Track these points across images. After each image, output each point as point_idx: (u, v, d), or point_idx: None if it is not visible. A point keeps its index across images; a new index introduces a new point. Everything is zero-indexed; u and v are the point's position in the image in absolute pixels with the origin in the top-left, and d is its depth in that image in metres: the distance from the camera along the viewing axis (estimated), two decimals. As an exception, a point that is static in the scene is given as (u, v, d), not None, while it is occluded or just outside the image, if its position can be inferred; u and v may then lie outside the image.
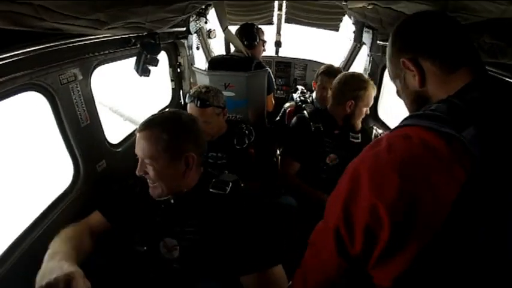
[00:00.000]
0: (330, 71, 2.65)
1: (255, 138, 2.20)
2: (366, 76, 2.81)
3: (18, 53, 1.20)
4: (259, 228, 1.36)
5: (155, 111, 1.43)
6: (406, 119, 0.80)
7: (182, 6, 1.29)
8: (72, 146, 1.81)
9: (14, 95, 1.43)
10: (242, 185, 1.44)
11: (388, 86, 2.80)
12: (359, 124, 2.25)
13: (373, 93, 2.14)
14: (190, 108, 2.00)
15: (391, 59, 0.93)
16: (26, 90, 1.51)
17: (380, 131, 2.66)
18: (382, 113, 2.98)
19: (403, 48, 0.88)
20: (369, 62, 2.94)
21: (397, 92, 0.98)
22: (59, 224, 1.52)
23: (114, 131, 2.27)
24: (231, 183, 1.37)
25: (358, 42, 3.17)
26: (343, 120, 2.21)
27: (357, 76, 2.18)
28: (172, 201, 1.39)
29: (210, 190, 1.35)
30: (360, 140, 2.25)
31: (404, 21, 0.92)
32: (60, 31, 1.17)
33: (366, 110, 2.17)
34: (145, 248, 1.42)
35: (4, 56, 1.14)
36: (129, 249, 1.44)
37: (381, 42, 2.61)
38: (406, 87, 0.91)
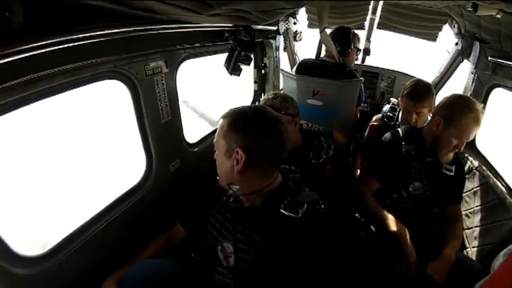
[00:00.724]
0: (415, 94, 2.25)
1: (335, 153, 2.05)
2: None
3: (103, 33, 1.09)
4: (324, 264, 1.26)
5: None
6: None
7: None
8: (148, 141, 1.77)
9: (95, 82, 1.40)
10: (322, 206, 1.32)
11: (493, 111, 2.49)
12: (448, 157, 1.92)
13: (475, 128, 1.79)
14: None
15: None
16: (108, 78, 1.47)
17: (476, 163, 2.36)
18: (481, 143, 2.55)
19: None
20: (473, 81, 2.49)
21: None
22: (125, 217, 1.65)
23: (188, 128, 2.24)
24: (305, 205, 1.23)
25: (465, 56, 2.69)
26: (431, 143, 1.91)
27: (465, 98, 1.87)
28: (236, 204, 1.34)
29: (281, 211, 1.23)
30: (453, 174, 1.96)
31: None
32: (153, 13, 1.00)
33: (456, 143, 1.82)
34: (200, 257, 1.48)
35: (88, 35, 1.04)
36: (185, 257, 1.49)
37: (492, 59, 2.17)
38: None
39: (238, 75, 2.04)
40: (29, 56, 0.91)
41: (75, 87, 1.29)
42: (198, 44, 1.90)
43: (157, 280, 1.34)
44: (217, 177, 1.35)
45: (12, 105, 1.07)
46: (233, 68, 1.99)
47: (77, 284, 1.43)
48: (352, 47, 2.68)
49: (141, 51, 1.53)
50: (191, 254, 1.51)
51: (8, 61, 0.86)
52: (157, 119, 1.77)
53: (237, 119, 1.24)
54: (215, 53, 2.18)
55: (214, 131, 2.46)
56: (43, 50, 0.94)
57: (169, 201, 1.86)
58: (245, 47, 1.93)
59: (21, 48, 0.87)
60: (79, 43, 1.05)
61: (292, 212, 1.21)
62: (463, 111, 1.76)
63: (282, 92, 2.28)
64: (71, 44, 1.03)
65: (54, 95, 1.20)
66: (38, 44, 0.91)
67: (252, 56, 2.05)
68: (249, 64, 2.05)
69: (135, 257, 1.45)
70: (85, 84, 1.33)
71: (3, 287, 1.16)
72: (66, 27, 0.96)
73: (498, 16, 1.42)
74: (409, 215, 1.95)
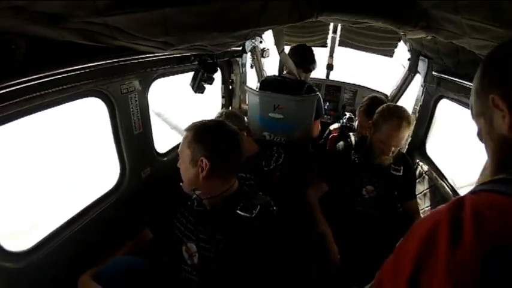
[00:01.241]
0: (369, 112, 2.39)
1: (285, 161, 2.17)
2: (417, 107, 2.66)
3: (88, 66, 1.31)
4: (276, 263, 1.37)
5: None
6: (495, 181, 0.63)
7: (246, 32, 1.30)
8: (122, 151, 1.92)
9: (79, 98, 1.59)
10: (274, 207, 1.43)
11: (440, 120, 2.68)
12: (383, 161, 2.04)
13: (397, 134, 1.90)
14: None
15: (478, 93, 0.76)
16: (90, 96, 1.66)
17: (426, 168, 2.51)
18: (431, 149, 2.75)
19: (494, 82, 0.70)
20: (422, 93, 2.71)
21: (478, 133, 0.80)
22: (99, 219, 1.77)
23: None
24: (259, 207, 1.36)
25: (413, 71, 2.98)
26: (369, 147, 2.08)
27: (390, 106, 2.01)
28: (200, 207, 1.47)
29: (237, 212, 1.36)
30: (401, 174, 2.10)
31: (499, 48, 0.75)
32: (128, 48, 1.23)
33: (383, 147, 1.95)
34: (167, 258, 1.56)
35: (73, 68, 1.26)
36: (154, 259, 1.59)
37: (436, 73, 2.41)
38: (492, 129, 0.72)
39: (202, 93, 2.21)
40: (29, 79, 1.10)
41: (63, 103, 1.47)
42: (168, 66, 2.08)
43: (129, 275, 1.45)
44: (181, 184, 1.46)
45: (13, 117, 1.26)
46: (197, 87, 2.17)
47: (57, 277, 1.54)
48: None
49: (118, 74, 1.70)
50: (159, 254, 1.61)
51: (12, 84, 1.05)
52: (131, 131, 1.91)
53: (201, 131, 1.37)
54: (183, 72, 2.35)
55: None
56: (40, 75, 1.13)
57: (141, 204, 1.97)
58: (208, 69, 2.12)
59: (24, 75, 1.06)
60: (68, 74, 1.26)
61: (247, 212, 1.34)
62: (384, 117, 1.92)
63: (226, 110, 2.37)
64: (61, 76, 1.24)
65: (46, 109, 1.39)
66: (37, 73, 1.11)
67: (215, 76, 2.21)
68: (211, 83, 2.21)
69: (109, 255, 1.54)
70: (71, 101, 1.51)
71: None
72: (58, 61, 1.16)
73: (429, 37, 1.56)
74: (366, 217, 2.10)
